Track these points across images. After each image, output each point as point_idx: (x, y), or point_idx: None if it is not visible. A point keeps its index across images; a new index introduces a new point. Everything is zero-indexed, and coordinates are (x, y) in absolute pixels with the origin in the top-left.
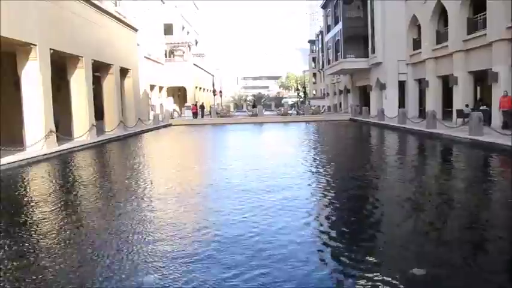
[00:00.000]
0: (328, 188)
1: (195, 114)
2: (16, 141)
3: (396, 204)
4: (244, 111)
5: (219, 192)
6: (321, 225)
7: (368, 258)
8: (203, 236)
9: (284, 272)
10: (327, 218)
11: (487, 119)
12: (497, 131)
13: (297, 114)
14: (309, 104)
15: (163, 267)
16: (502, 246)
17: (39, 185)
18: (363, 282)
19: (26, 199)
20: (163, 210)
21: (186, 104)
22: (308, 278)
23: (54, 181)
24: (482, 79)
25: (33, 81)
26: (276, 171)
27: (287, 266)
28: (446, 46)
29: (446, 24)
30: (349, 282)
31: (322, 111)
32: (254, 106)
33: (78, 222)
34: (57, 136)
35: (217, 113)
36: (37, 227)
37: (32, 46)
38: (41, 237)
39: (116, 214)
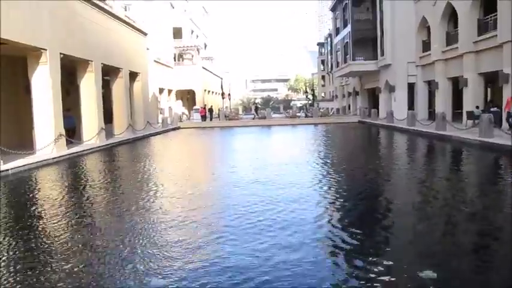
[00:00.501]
0: (341, 197)
1: (203, 117)
2: (26, 145)
3: (411, 210)
4: (253, 114)
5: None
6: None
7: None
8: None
9: None
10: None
11: (498, 121)
12: (507, 132)
13: (305, 117)
14: (318, 106)
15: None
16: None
17: (50, 187)
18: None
19: (36, 201)
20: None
21: (194, 107)
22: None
23: (64, 184)
24: (493, 80)
25: (43, 85)
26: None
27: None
28: (456, 48)
29: (456, 25)
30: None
31: (331, 113)
32: (257, 109)
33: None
34: (66, 140)
35: (225, 116)
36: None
37: (42, 51)
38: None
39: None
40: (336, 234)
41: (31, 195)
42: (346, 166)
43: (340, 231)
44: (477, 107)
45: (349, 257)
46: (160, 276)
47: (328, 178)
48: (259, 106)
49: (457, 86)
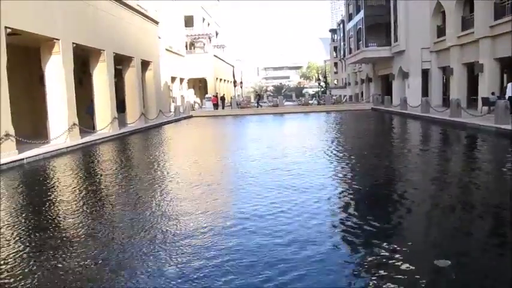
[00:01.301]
0: (354, 189)
1: (215, 106)
2: (41, 134)
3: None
4: (265, 102)
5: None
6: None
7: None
8: None
9: None
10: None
11: None
12: None
13: (318, 104)
14: (330, 93)
15: None
16: None
17: (64, 176)
18: None
19: (50, 190)
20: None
21: (206, 96)
22: None
23: (77, 172)
24: (509, 66)
25: (57, 75)
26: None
27: None
28: (472, 32)
29: (472, 10)
30: None
31: (344, 100)
32: (259, 98)
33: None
34: (80, 129)
35: (237, 104)
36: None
37: (55, 41)
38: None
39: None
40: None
41: (45, 184)
42: (360, 157)
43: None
44: (493, 93)
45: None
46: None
47: (342, 173)
48: (261, 94)
49: (473, 72)
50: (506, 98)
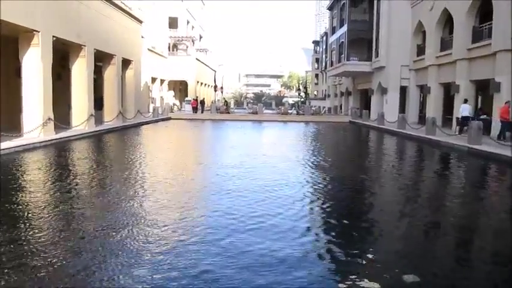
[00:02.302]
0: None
1: (194, 109)
2: (15, 127)
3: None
4: (245, 109)
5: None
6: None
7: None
8: None
9: None
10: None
11: (487, 129)
12: (495, 140)
13: (297, 114)
14: (310, 104)
15: None
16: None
17: (33, 170)
18: None
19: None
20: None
21: (186, 98)
22: None
23: (47, 168)
24: (484, 88)
25: (34, 68)
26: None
27: None
28: (450, 54)
29: (451, 31)
30: None
31: (323, 112)
32: (227, 104)
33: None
34: (55, 124)
35: (217, 109)
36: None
37: (34, 32)
38: None
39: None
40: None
41: (12, 177)
42: (333, 169)
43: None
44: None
45: None
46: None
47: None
48: (228, 101)
49: (449, 91)
50: (460, 117)
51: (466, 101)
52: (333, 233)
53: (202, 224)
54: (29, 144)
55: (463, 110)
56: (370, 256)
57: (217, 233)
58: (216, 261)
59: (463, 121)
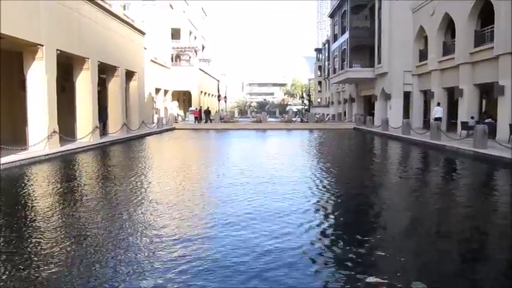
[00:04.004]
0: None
1: (197, 119)
2: (20, 140)
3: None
4: (249, 117)
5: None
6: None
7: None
8: None
9: None
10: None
11: (492, 132)
12: (501, 144)
13: (301, 122)
14: (313, 112)
15: None
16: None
17: (38, 184)
18: None
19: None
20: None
21: (190, 108)
22: None
23: (53, 182)
24: (488, 92)
25: (39, 81)
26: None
27: None
28: (453, 58)
29: (453, 36)
30: None
31: (327, 119)
32: (208, 114)
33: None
34: (59, 136)
35: (220, 118)
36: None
37: (39, 46)
38: None
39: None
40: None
41: (18, 191)
42: (337, 178)
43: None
44: (472, 118)
45: None
46: None
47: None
48: (210, 110)
49: (453, 96)
50: (433, 118)
51: (439, 104)
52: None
53: None
54: (34, 157)
55: (435, 112)
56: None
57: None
58: None
59: (436, 121)
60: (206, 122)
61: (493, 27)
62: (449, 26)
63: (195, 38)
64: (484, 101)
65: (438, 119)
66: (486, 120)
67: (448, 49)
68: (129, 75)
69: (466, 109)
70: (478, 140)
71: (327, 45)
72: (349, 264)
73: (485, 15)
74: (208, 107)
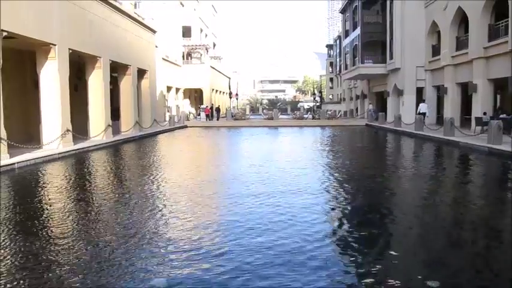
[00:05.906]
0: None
1: (208, 116)
2: (34, 139)
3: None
4: (260, 115)
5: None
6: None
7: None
8: None
9: None
10: None
11: (507, 128)
12: None
13: (312, 119)
14: (325, 108)
15: None
16: None
17: (52, 182)
18: None
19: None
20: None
21: (201, 106)
22: None
23: (67, 180)
24: (503, 87)
25: (52, 80)
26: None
27: None
28: (466, 53)
29: (466, 30)
30: None
31: (338, 116)
32: (218, 111)
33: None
34: (73, 135)
35: (232, 116)
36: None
37: (51, 46)
38: None
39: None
40: None
41: (34, 189)
42: (351, 175)
43: None
44: (485, 113)
45: None
46: None
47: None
48: (219, 108)
49: (466, 91)
50: (417, 113)
51: (424, 101)
52: None
53: None
54: (48, 155)
55: (420, 108)
56: None
57: None
58: None
59: (420, 116)
60: (218, 119)
61: (507, 21)
62: (462, 20)
63: (206, 35)
64: (498, 96)
65: (422, 114)
66: (501, 116)
67: (461, 44)
68: (141, 73)
69: (480, 104)
70: (493, 136)
71: (338, 41)
72: None
73: (499, 9)
74: (218, 106)
